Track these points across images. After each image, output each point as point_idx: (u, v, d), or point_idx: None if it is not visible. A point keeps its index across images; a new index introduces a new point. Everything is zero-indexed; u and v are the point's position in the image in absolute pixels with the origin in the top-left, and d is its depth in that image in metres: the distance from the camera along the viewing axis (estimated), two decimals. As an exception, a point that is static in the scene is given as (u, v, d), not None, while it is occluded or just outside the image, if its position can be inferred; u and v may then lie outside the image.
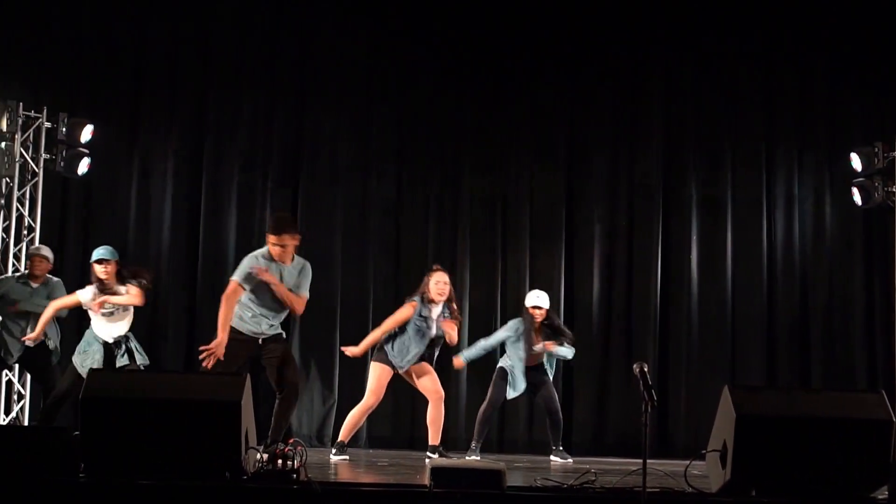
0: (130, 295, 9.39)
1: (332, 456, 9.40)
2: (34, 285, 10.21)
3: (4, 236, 11.18)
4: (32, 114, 11.23)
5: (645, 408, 6.19)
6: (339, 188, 12.46)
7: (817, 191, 12.55)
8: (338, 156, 12.52)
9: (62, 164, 11.33)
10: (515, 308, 12.13)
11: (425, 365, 9.74)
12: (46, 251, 10.31)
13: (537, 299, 10.52)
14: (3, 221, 11.19)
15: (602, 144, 12.67)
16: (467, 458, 10.04)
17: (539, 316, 10.44)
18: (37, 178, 11.33)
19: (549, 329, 10.50)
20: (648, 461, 6.13)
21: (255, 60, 12.54)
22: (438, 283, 9.68)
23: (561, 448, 10.47)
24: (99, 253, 9.34)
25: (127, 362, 9.39)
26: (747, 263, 12.42)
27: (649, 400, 6.18)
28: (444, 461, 6.58)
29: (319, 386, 11.98)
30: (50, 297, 10.03)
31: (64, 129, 11.31)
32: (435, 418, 9.76)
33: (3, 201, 11.19)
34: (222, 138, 12.43)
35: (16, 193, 11.18)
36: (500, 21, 12.54)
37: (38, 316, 9.85)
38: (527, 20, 12.55)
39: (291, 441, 6.86)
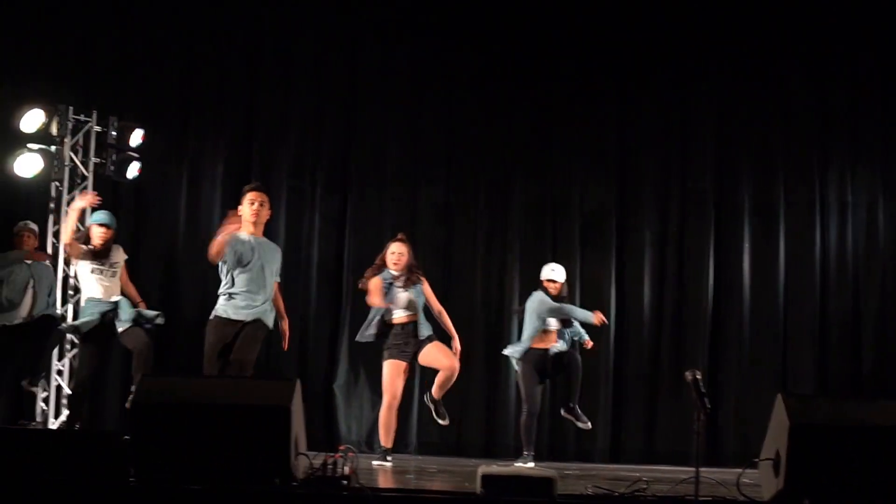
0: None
1: (373, 462, 9.40)
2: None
3: (55, 241, 11.26)
4: (82, 118, 11.31)
5: (698, 416, 6.18)
6: (389, 194, 12.49)
7: (870, 197, 12.46)
8: (387, 161, 12.55)
9: (112, 168, 11.41)
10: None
11: (427, 347, 9.54)
12: (33, 225, 10.56)
13: (552, 272, 10.46)
14: (53, 225, 11.26)
15: (653, 150, 12.63)
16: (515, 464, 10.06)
17: (554, 290, 10.36)
18: (86, 182, 11.40)
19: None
20: (700, 469, 6.13)
21: (304, 65, 12.60)
22: (393, 254, 9.60)
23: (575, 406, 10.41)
24: (102, 217, 9.70)
25: (129, 325, 9.58)
26: (799, 270, 12.33)
27: (702, 408, 6.16)
28: (494, 468, 6.56)
29: (368, 392, 12.01)
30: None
31: (114, 133, 11.38)
32: (442, 382, 9.66)
33: (52, 205, 11.27)
34: (271, 143, 12.50)
35: (65, 197, 11.25)
36: (552, 27, 12.54)
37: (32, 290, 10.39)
38: (578, 26, 12.54)
39: (342, 447, 6.87)
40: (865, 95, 12.55)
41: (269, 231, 12.08)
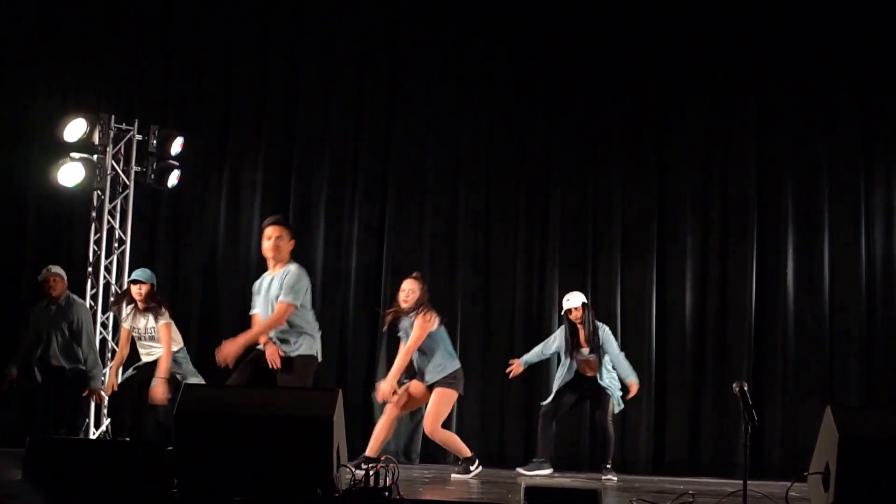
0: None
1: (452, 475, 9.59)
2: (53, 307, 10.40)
3: (96, 249, 11.30)
4: (124, 126, 11.35)
5: (745, 428, 6.10)
6: (428, 200, 12.45)
7: (918, 201, 12.31)
8: (426, 168, 12.51)
9: (153, 176, 11.44)
10: (606, 323, 12.06)
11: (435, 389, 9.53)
12: (58, 269, 10.45)
13: (567, 302, 10.50)
14: (95, 234, 11.31)
15: (694, 155, 12.50)
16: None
17: (575, 318, 10.40)
18: (128, 191, 11.44)
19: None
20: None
21: (343, 73, 12.59)
22: (403, 290, 9.58)
23: (609, 466, 10.31)
24: (135, 274, 9.79)
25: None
26: (845, 278, 12.16)
27: (749, 420, 6.09)
28: (538, 480, 6.50)
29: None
30: (68, 318, 10.29)
31: (154, 142, 11.42)
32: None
33: (94, 214, 11.30)
34: (311, 150, 12.50)
35: (107, 206, 11.30)
36: (592, 31, 12.47)
37: (56, 337, 10.27)
38: (619, 31, 12.46)
39: (384, 458, 6.84)
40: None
41: (309, 239, 12.16)
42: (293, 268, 8.62)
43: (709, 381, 11.97)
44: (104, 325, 11.27)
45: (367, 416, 11.93)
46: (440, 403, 9.43)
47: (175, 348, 9.84)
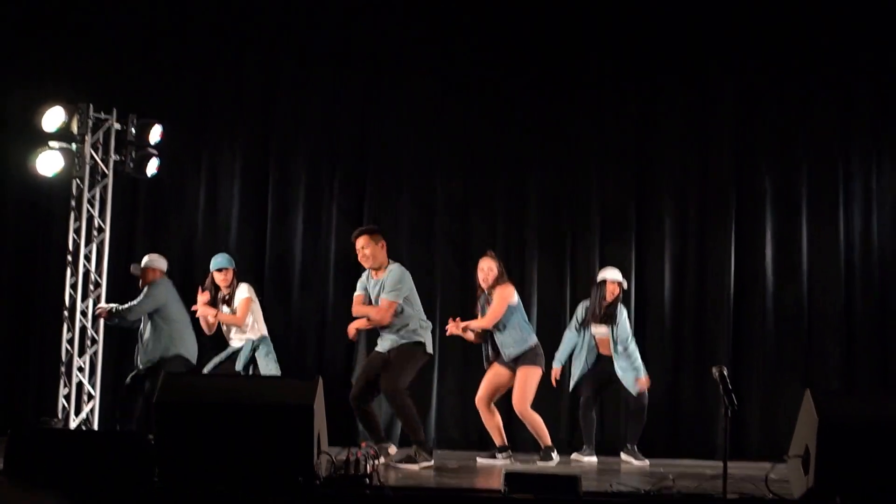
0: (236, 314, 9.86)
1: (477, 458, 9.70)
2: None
3: (75, 237, 11.21)
4: (102, 115, 11.25)
5: (725, 412, 6.11)
6: (406, 187, 12.40)
7: (894, 185, 12.28)
8: (404, 156, 12.46)
9: (132, 165, 11.34)
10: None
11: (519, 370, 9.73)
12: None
13: (607, 272, 10.60)
14: (74, 223, 11.21)
15: (673, 139, 12.46)
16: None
17: (612, 295, 10.44)
18: (106, 180, 11.34)
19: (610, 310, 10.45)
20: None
21: (322, 61, 12.50)
22: (482, 270, 9.78)
23: (635, 447, 10.32)
24: (219, 262, 9.97)
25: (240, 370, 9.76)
26: (824, 261, 12.16)
27: (729, 404, 6.08)
28: (518, 466, 6.48)
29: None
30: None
31: (133, 131, 11.32)
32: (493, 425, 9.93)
33: (73, 203, 11.21)
34: (289, 138, 12.44)
35: (86, 195, 11.19)
36: (570, 18, 12.41)
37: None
38: (597, 17, 12.40)
39: (364, 445, 6.81)
40: (888, 80, 12.35)
41: (288, 227, 12.13)
42: (394, 268, 9.18)
43: (688, 364, 11.95)
44: (83, 314, 11.18)
45: (347, 401, 11.88)
46: (527, 382, 9.64)
47: (255, 336, 9.85)
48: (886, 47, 12.29)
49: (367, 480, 6.41)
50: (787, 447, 6.67)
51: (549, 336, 10.79)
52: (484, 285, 9.71)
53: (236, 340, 9.92)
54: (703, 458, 10.23)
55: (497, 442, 9.81)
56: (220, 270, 9.94)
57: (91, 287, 11.23)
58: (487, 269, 9.69)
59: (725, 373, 6.30)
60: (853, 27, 12.26)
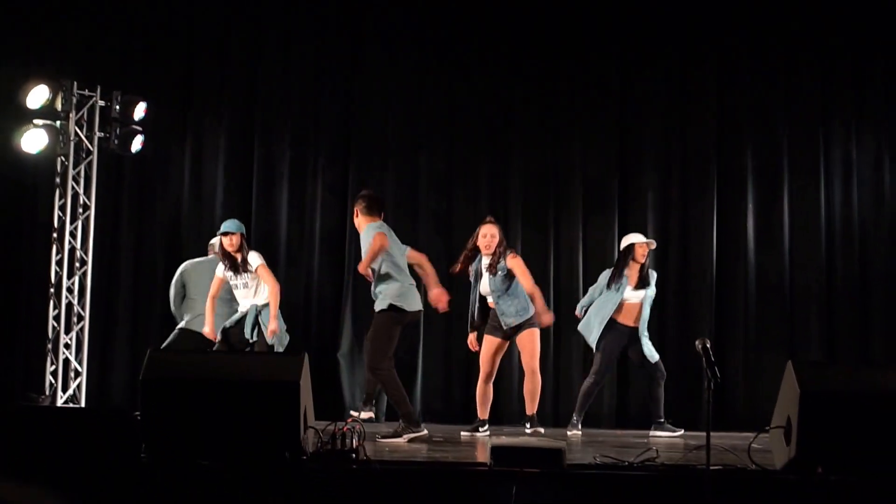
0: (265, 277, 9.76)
1: (462, 433, 9.82)
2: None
3: (61, 214, 11.19)
4: (86, 92, 11.22)
5: (708, 384, 6.12)
6: (390, 163, 12.39)
7: (876, 158, 12.32)
8: (388, 130, 12.44)
9: (116, 142, 11.32)
10: (569, 281, 12.05)
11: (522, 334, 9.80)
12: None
13: (633, 237, 10.54)
14: (59, 200, 11.19)
15: (654, 114, 12.49)
16: (568, 432, 10.06)
17: (643, 256, 10.41)
18: (91, 157, 11.32)
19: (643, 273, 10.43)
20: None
21: (305, 35, 12.48)
22: (486, 236, 9.76)
23: (662, 420, 10.35)
24: (225, 226, 9.77)
25: (254, 339, 9.67)
26: (805, 233, 12.21)
27: (712, 377, 6.10)
28: (504, 440, 6.50)
29: (371, 362, 11.90)
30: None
31: (117, 108, 11.30)
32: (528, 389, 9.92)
33: (58, 180, 11.19)
34: (273, 115, 12.41)
35: (71, 172, 11.18)
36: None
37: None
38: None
39: (350, 420, 6.82)
40: (867, 55, 12.38)
41: (273, 203, 12.13)
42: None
43: (672, 337, 11.99)
44: (70, 290, 11.17)
45: (333, 375, 11.92)
46: (535, 341, 9.81)
47: (260, 301, 9.77)
48: (865, 21, 12.32)
49: (354, 455, 6.43)
50: (770, 418, 6.71)
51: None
52: (486, 252, 9.71)
53: (243, 306, 9.85)
54: (687, 429, 10.25)
55: (482, 416, 9.87)
56: (225, 234, 9.69)
57: (77, 264, 11.22)
58: (491, 235, 9.71)
59: (708, 345, 6.31)
60: (831, 2, 12.27)
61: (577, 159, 12.44)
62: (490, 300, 9.80)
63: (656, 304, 11.53)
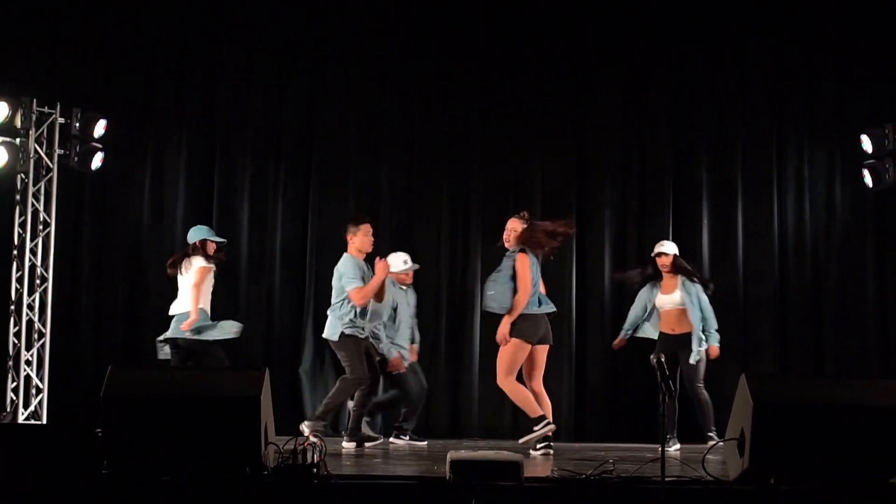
0: None
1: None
2: None
3: (21, 231, 11.16)
4: (46, 109, 11.19)
5: (662, 398, 6.19)
6: (351, 177, 12.42)
7: (828, 173, 12.45)
8: (349, 144, 12.47)
9: (76, 159, 11.30)
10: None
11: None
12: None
13: (661, 246, 10.49)
14: (20, 217, 11.16)
15: (612, 130, 12.58)
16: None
17: (662, 266, 10.35)
18: (51, 174, 11.30)
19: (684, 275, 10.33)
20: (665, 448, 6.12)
21: (265, 50, 12.49)
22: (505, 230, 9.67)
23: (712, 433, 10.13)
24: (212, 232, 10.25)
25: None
26: (759, 247, 12.34)
27: (666, 391, 6.17)
28: (463, 453, 6.53)
29: (333, 375, 11.87)
30: None
31: (77, 125, 11.28)
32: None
33: (18, 197, 11.16)
34: (233, 129, 12.41)
35: (31, 189, 11.16)
36: (511, 7, 12.46)
37: None
38: (537, 7, 12.47)
39: (311, 434, 6.84)
40: (821, 70, 12.52)
41: (234, 218, 12.14)
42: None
43: (628, 350, 12.04)
44: (30, 307, 11.14)
45: (294, 390, 11.92)
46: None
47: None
48: (817, 39, 12.46)
49: (315, 470, 6.44)
50: (724, 430, 6.78)
51: (494, 323, 10.75)
52: (507, 245, 9.60)
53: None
54: (643, 441, 10.31)
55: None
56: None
57: (37, 281, 11.19)
58: (511, 229, 9.61)
59: (663, 360, 6.39)
60: (785, 19, 12.41)
61: (536, 174, 12.51)
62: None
63: (614, 317, 11.64)
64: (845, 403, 6.31)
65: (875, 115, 11.97)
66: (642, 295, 10.55)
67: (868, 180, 11.61)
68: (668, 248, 10.50)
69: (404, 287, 10.66)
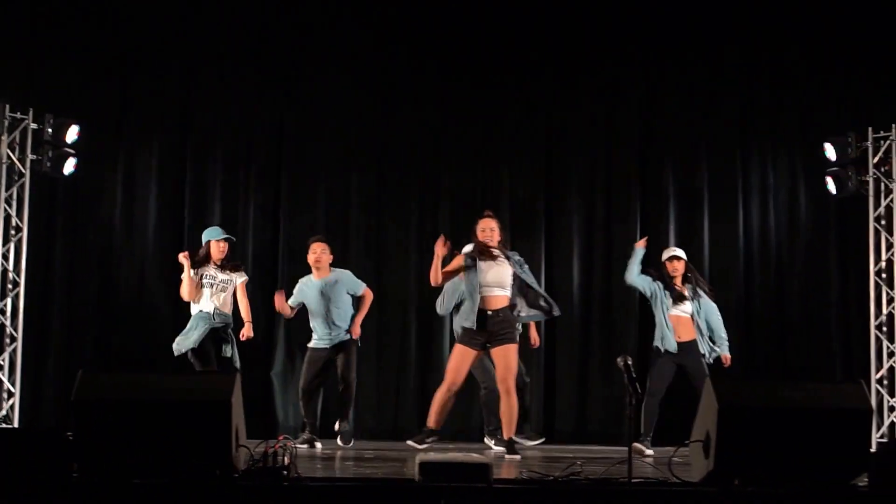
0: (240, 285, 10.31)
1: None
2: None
3: (-7, 236, 11.12)
4: (19, 115, 11.15)
5: (629, 400, 6.21)
6: (321, 185, 12.42)
7: (792, 180, 12.56)
8: (319, 152, 12.47)
9: (49, 164, 11.27)
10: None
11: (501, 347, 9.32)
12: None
13: (673, 251, 10.34)
14: (-7, 222, 11.12)
15: (580, 136, 12.64)
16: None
17: (674, 270, 10.19)
18: (23, 179, 11.25)
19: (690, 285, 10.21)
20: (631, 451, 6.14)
21: (239, 59, 12.47)
22: (484, 231, 9.52)
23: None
24: (219, 232, 10.28)
25: (229, 355, 10.07)
26: (724, 253, 12.41)
27: (633, 393, 6.19)
28: (432, 455, 6.53)
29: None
30: None
31: (50, 130, 11.24)
32: (503, 410, 9.40)
33: (-10, 203, 11.12)
34: (206, 137, 12.39)
35: (3, 194, 11.10)
36: (481, 17, 12.50)
37: None
38: (507, 16, 12.51)
39: (281, 437, 6.83)
40: (785, 79, 12.61)
41: (206, 223, 12.07)
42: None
43: (596, 354, 12.11)
44: (2, 312, 11.09)
45: (266, 394, 11.90)
46: (514, 357, 9.36)
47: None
48: (782, 48, 12.54)
49: (285, 472, 6.43)
50: (690, 432, 6.80)
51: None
52: (492, 244, 9.43)
53: (206, 306, 10.19)
54: (610, 443, 10.35)
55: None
56: (221, 240, 10.23)
57: (9, 286, 11.14)
58: (490, 229, 9.50)
59: (629, 362, 6.40)
60: (751, 29, 12.49)
61: (505, 181, 12.55)
62: (495, 293, 9.34)
63: (582, 321, 11.67)
64: (808, 407, 6.35)
65: (838, 123, 12.05)
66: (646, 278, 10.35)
67: (831, 188, 11.70)
68: (682, 252, 10.36)
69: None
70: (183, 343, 9.94)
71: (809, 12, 12.37)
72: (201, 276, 10.11)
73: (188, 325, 10.05)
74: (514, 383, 9.30)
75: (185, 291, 10.08)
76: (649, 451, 9.67)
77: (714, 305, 10.33)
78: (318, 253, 10.27)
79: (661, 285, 10.17)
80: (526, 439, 10.24)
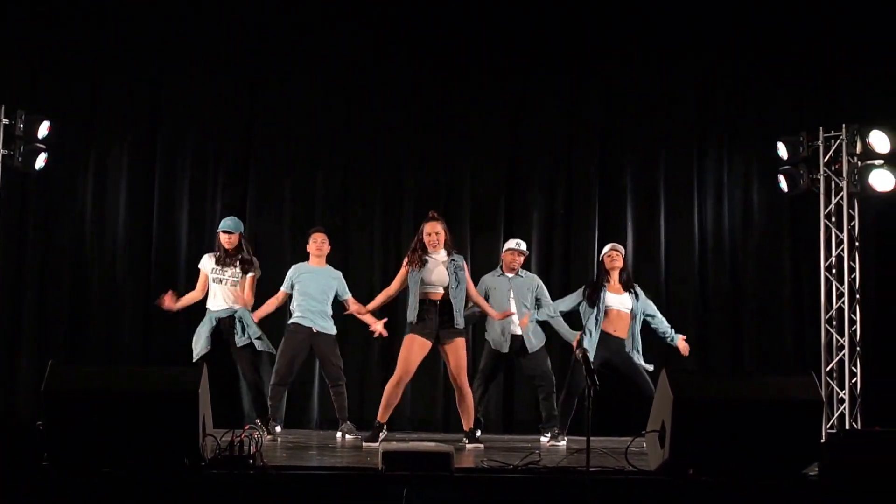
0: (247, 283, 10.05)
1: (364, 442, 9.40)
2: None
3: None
4: (-10, 111, 11.06)
5: (587, 392, 6.20)
6: (288, 181, 12.37)
7: (746, 179, 12.64)
8: (287, 149, 12.42)
9: (20, 159, 11.17)
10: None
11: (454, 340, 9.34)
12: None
13: (613, 246, 10.34)
14: (-33, 219, 11.02)
15: (541, 135, 12.65)
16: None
17: (612, 261, 10.20)
18: (-5, 174, 11.16)
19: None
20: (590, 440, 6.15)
21: (208, 58, 12.38)
22: (430, 234, 9.48)
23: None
24: (225, 224, 10.03)
25: (248, 341, 9.90)
26: (680, 250, 12.48)
27: (591, 384, 6.19)
28: (394, 445, 6.53)
29: (269, 369, 11.81)
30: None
31: (21, 126, 11.14)
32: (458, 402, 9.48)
33: (-37, 199, 11.01)
34: (175, 134, 12.32)
35: (-22, 190, 11.01)
36: (444, 16, 12.48)
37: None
38: (472, 16, 12.50)
39: (247, 427, 6.81)
40: (740, 80, 12.72)
41: (174, 220, 12.05)
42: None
43: (555, 347, 12.08)
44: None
45: (233, 385, 11.83)
46: (462, 352, 9.40)
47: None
48: (738, 46, 12.61)
49: (251, 461, 6.42)
50: (646, 423, 6.82)
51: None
52: (433, 249, 9.41)
53: (215, 304, 10.10)
54: (569, 434, 10.35)
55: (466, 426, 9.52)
56: (225, 232, 10.00)
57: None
58: (436, 233, 9.46)
59: (588, 355, 6.42)
60: (708, 29, 12.54)
61: (467, 178, 12.55)
62: (439, 293, 9.32)
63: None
64: (761, 399, 6.39)
65: (791, 123, 12.13)
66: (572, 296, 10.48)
67: (783, 185, 11.77)
68: (620, 247, 10.38)
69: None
70: (195, 350, 9.89)
71: (764, 16, 12.44)
72: (210, 270, 10.02)
73: (198, 326, 10.00)
74: (465, 377, 9.37)
75: (192, 299, 10.08)
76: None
77: (650, 302, 10.43)
78: (320, 242, 10.17)
79: (588, 291, 10.25)
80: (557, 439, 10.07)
